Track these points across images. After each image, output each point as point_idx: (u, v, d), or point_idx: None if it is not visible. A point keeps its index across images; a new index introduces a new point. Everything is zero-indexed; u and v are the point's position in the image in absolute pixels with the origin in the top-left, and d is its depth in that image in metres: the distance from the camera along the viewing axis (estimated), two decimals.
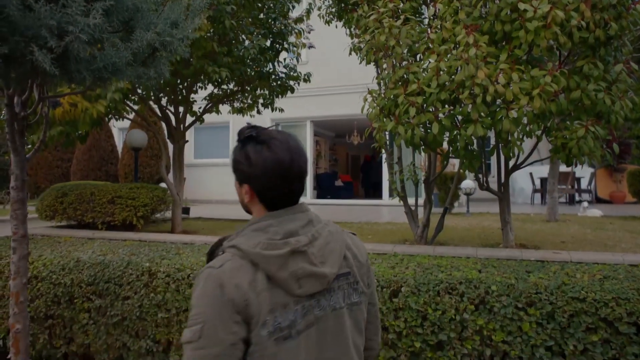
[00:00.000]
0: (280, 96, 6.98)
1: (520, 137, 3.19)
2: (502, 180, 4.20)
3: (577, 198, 11.61)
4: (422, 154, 4.03)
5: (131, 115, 7.31)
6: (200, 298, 1.13)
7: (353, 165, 20.29)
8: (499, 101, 3.14)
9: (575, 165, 3.51)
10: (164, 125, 6.79)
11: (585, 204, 8.53)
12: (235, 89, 6.86)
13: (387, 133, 3.70)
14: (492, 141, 3.96)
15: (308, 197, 13.05)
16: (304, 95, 12.09)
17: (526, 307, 2.77)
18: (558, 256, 3.47)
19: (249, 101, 7.30)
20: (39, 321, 3.82)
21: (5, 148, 13.95)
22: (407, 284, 2.94)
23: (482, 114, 3.01)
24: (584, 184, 12.31)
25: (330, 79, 12.61)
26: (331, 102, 13.10)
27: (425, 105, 3.14)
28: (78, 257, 3.86)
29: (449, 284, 2.91)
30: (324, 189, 14.80)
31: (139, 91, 6.12)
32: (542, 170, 11.29)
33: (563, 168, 11.02)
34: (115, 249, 4.11)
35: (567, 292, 2.73)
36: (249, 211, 1.31)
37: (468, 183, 8.64)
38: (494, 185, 4.32)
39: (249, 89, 6.84)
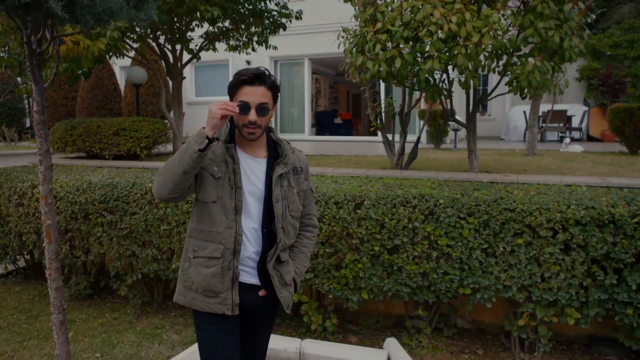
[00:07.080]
0: (273, 34, 7.21)
1: (475, 71, 3.57)
2: (470, 112, 4.60)
3: (561, 135, 11.92)
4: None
5: (131, 54, 7.61)
6: None
7: (354, 104, 20.45)
8: (458, 38, 3.49)
9: (528, 97, 3.90)
10: (163, 64, 7.12)
11: (568, 140, 8.89)
12: (230, 27, 7.10)
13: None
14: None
15: (306, 133, 13.44)
16: (302, 33, 12.14)
17: (467, 216, 3.30)
18: (507, 178, 3.96)
19: (244, 39, 7.54)
20: (60, 234, 4.43)
21: (11, 87, 14.27)
22: (368, 198, 3.46)
23: (440, 50, 3.38)
24: (576, 123, 12.57)
25: (329, 16, 12.54)
26: (329, 40, 13.10)
27: (390, 42, 3.50)
28: (90, 180, 4.40)
29: (405, 198, 3.43)
30: (323, 126, 15.15)
31: (137, 30, 6.40)
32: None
33: (557, 107, 11.27)
34: (122, 174, 4.65)
35: (502, 204, 3.24)
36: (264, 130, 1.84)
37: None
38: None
39: (243, 27, 7.08)
